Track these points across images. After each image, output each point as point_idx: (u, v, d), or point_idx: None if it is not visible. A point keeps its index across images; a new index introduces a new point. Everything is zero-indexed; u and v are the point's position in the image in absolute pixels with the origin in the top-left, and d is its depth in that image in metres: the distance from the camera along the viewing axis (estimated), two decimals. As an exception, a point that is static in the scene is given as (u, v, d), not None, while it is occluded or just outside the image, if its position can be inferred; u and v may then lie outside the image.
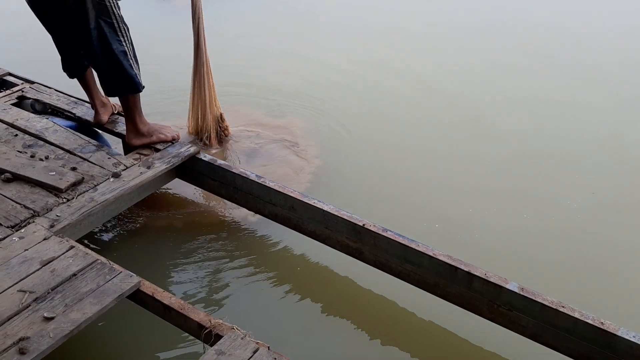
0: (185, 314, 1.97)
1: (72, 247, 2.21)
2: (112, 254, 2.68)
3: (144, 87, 2.72)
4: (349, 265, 2.60)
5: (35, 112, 3.29)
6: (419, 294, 2.37)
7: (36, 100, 3.27)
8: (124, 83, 2.64)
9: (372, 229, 2.35)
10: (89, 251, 2.21)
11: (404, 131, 3.90)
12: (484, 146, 3.67)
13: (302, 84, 4.58)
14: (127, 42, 2.62)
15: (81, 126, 3.12)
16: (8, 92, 3.38)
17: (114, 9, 2.55)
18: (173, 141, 2.89)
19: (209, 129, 3.47)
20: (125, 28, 2.62)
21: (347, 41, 5.45)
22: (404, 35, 5.57)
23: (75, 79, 2.94)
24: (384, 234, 2.33)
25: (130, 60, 2.63)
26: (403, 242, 2.28)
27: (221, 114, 3.52)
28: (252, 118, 4.07)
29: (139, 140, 2.82)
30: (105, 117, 3.02)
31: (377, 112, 4.19)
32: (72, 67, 2.83)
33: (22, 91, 3.35)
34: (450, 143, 3.73)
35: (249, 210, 2.81)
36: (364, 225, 2.37)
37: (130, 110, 2.74)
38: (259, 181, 2.66)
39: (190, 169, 2.88)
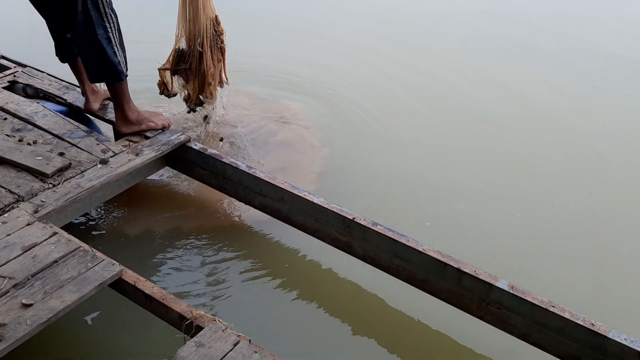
0: (166, 304, 1.93)
1: (55, 233, 2.17)
2: (97, 246, 2.61)
3: (127, 75, 2.67)
4: (338, 260, 2.56)
5: (27, 96, 3.24)
6: (408, 289, 2.33)
7: (27, 84, 3.22)
8: (107, 70, 2.59)
9: (362, 223, 2.31)
10: (72, 238, 2.17)
11: (406, 123, 3.86)
12: (481, 144, 3.63)
13: (315, 64, 4.49)
14: (112, 28, 2.56)
15: (72, 112, 3.08)
16: (0, 75, 3.33)
17: None
18: (163, 129, 2.84)
19: (202, 34, 2.99)
20: (112, 14, 2.56)
21: (371, 20, 5.38)
22: (435, 19, 5.53)
23: (67, 64, 2.90)
24: (374, 228, 2.28)
25: (115, 48, 2.58)
26: (392, 237, 2.24)
27: (216, 17, 3.04)
28: (256, 98, 3.98)
29: (128, 128, 2.77)
30: (95, 105, 2.97)
31: (388, 99, 4.15)
32: (64, 51, 2.79)
33: (14, 75, 3.30)
34: (451, 139, 3.69)
35: (239, 200, 2.77)
36: (353, 218, 2.33)
37: (118, 97, 2.69)
38: (249, 172, 2.61)
39: (181, 158, 2.84)
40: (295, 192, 2.48)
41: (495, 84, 4.41)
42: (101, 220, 2.85)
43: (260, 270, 2.59)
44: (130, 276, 2.04)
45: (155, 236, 2.76)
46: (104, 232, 2.79)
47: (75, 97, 3.13)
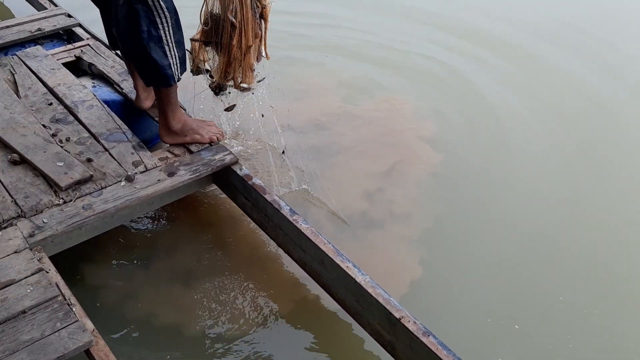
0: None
1: (39, 269, 1.83)
2: (91, 277, 2.24)
3: (179, 79, 2.24)
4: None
5: (92, 74, 2.96)
6: None
7: (91, 63, 2.93)
8: (153, 73, 2.17)
9: (410, 328, 1.73)
10: (57, 278, 1.83)
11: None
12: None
13: (422, 49, 3.82)
14: (165, 24, 2.11)
15: (127, 103, 2.74)
16: (69, 47, 3.08)
17: None
18: (211, 143, 2.40)
19: None
20: (165, 5, 2.10)
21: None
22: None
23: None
24: (423, 338, 1.70)
25: (166, 47, 2.14)
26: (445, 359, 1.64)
27: None
28: (333, 93, 3.41)
29: (171, 139, 2.37)
30: (147, 103, 2.59)
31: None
32: (113, 39, 2.41)
33: (82, 50, 3.02)
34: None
35: (279, 246, 2.28)
36: (400, 318, 1.75)
37: (162, 103, 2.28)
38: (291, 218, 2.11)
39: (225, 179, 2.40)
40: (337, 260, 1.94)
41: None
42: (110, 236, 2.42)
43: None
44: (100, 351, 1.65)
45: (167, 279, 2.28)
46: (108, 253, 2.37)
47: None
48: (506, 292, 2.30)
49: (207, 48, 2.38)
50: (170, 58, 2.17)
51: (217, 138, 2.41)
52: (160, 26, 2.10)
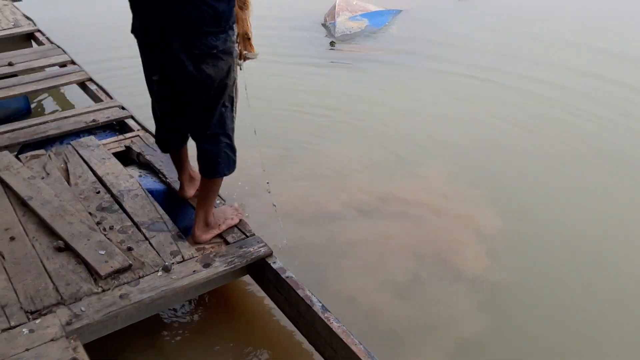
0: None
1: (72, 359, 1.86)
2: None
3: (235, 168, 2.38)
4: None
5: (139, 163, 3.11)
6: None
7: (140, 152, 3.08)
8: (223, 163, 2.31)
9: None
10: (87, 370, 1.85)
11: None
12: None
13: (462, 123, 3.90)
14: (235, 115, 2.32)
15: (170, 192, 2.84)
16: (120, 137, 3.26)
17: (237, 80, 2.24)
18: (237, 226, 2.48)
19: None
20: (237, 102, 2.31)
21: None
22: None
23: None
24: None
25: (232, 139, 2.34)
26: None
27: None
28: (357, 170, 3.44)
29: (209, 234, 2.42)
30: (191, 192, 2.69)
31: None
32: (170, 140, 2.51)
33: (132, 141, 3.19)
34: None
35: (311, 344, 2.26)
36: None
37: (208, 196, 2.36)
38: (323, 316, 2.10)
39: (260, 270, 2.43)
40: (369, 363, 1.91)
41: None
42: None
43: None
44: None
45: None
46: (139, 342, 2.37)
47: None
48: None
49: None
50: (235, 148, 2.35)
51: (241, 213, 2.51)
52: (234, 119, 2.30)
